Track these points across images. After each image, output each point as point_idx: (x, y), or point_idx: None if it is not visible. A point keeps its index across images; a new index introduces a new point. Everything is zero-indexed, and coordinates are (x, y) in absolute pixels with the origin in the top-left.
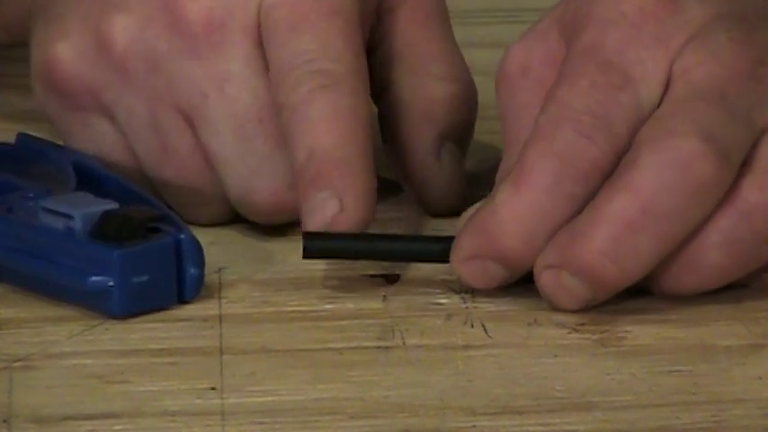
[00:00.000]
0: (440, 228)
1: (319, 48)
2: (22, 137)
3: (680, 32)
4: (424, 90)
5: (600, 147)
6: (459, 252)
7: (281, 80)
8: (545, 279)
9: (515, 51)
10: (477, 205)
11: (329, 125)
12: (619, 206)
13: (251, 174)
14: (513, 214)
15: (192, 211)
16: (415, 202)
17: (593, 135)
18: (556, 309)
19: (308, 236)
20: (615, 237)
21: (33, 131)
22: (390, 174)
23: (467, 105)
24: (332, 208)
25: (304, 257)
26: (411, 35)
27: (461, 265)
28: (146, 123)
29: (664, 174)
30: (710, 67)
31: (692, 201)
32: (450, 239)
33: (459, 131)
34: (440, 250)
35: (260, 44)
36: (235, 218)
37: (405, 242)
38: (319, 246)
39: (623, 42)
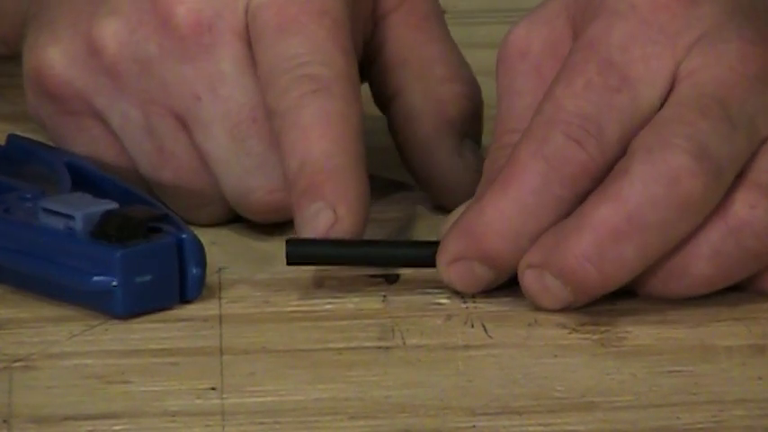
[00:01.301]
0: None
1: (308, 51)
2: (12, 138)
3: (691, 29)
4: (435, 93)
5: (588, 151)
6: (444, 255)
7: (270, 84)
8: (528, 278)
9: (517, 33)
10: (459, 209)
11: (320, 132)
12: (605, 213)
13: (247, 174)
14: (499, 214)
15: (191, 212)
16: (434, 202)
17: (583, 140)
18: (539, 308)
19: (291, 242)
20: (599, 243)
21: (31, 132)
22: (390, 173)
23: (474, 102)
24: (326, 219)
25: (288, 264)
26: (409, 39)
27: (447, 267)
28: (140, 127)
29: (652, 186)
30: (717, 70)
31: (677, 215)
32: (435, 244)
33: (473, 128)
34: (426, 255)
35: (250, 44)
36: (234, 218)
37: (390, 248)
38: (302, 252)
39: (629, 38)
